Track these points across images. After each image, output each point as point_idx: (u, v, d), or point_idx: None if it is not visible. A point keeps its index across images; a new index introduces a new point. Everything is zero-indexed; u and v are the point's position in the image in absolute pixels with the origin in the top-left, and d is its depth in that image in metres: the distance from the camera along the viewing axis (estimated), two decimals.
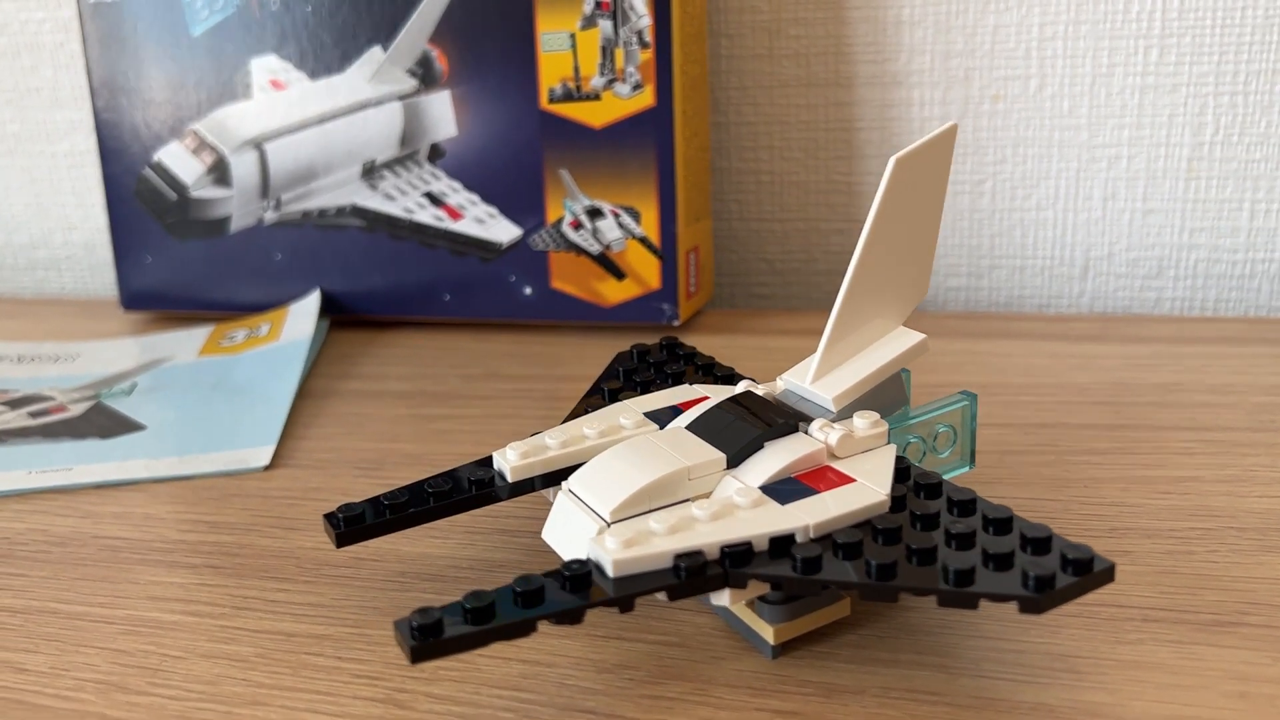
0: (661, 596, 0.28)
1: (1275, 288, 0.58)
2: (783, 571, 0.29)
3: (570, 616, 0.28)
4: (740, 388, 0.37)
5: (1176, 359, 0.50)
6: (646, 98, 0.51)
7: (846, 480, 0.32)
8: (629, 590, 0.29)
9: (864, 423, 0.34)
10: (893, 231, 0.35)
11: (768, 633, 0.31)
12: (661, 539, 0.30)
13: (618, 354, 0.44)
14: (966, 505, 0.31)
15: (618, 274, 0.54)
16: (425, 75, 0.54)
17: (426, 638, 0.27)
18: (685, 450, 0.33)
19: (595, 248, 0.54)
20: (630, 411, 0.37)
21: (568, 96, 0.52)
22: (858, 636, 0.32)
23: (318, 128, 0.55)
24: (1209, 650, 0.30)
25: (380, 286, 0.57)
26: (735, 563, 0.29)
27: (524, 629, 0.28)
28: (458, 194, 0.55)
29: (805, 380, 0.35)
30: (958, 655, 0.31)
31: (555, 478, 0.35)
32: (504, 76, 0.53)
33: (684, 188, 0.52)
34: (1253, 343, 0.51)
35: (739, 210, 0.62)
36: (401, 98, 0.54)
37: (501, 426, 0.46)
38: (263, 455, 0.44)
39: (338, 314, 0.58)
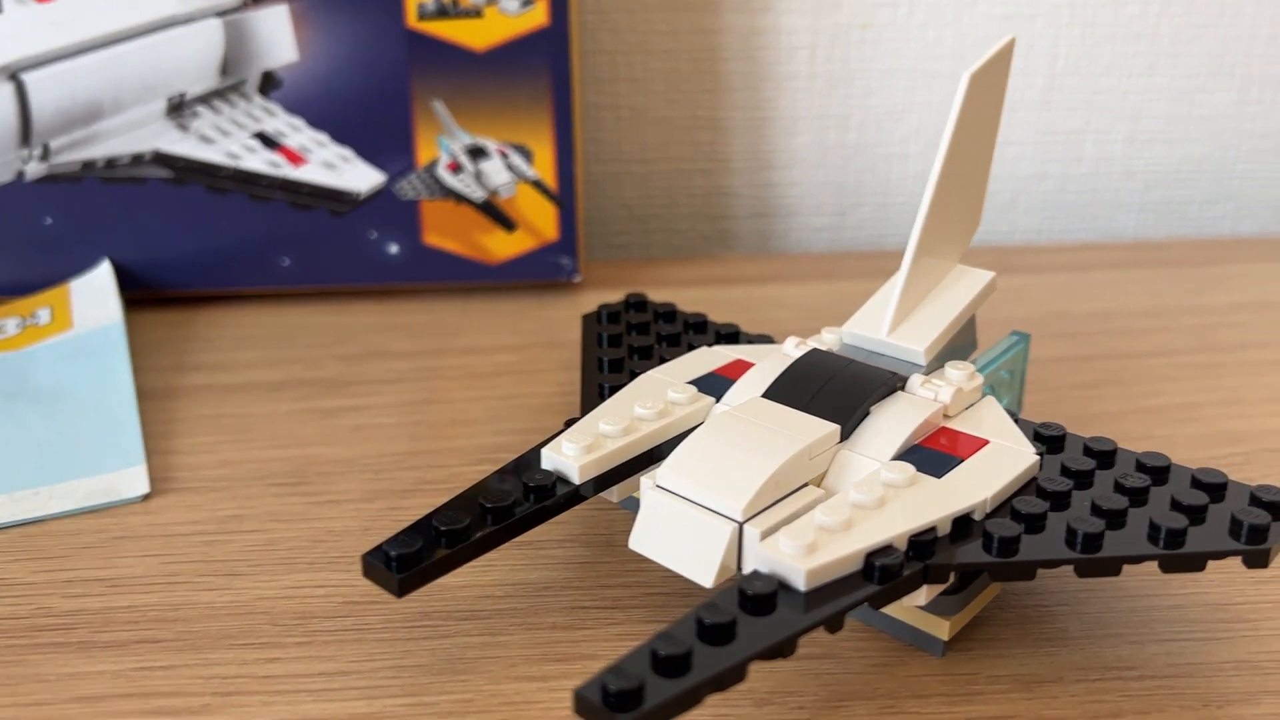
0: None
1: (1113, 214, 0.61)
2: (978, 556, 0.25)
3: (782, 649, 0.23)
4: (792, 345, 0.33)
5: (1088, 286, 0.50)
6: (539, 15, 0.45)
7: (980, 442, 0.29)
8: (827, 604, 0.24)
9: (960, 374, 0.31)
10: (963, 157, 0.31)
11: (940, 627, 0.27)
12: (843, 537, 0.25)
13: (584, 316, 0.38)
14: (1108, 456, 0.29)
15: (507, 224, 0.47)
16: None
17: (629, 707, 0.20)
18: (788, 426, 0.28)
19: (479, 194, 0.47)
20: (674, 384, 0.31)
21: (442, 12, 0.44)
22: (1012, 617, 0.28)
23: (102, 52, 0.44)
24: None
25: (192, 253, 0.46)
26: (923, 553, 0.25)
27: (734, 676, 0.22)
28: (299, 133, 0.46)
29: (880, 331, 0.32)
30: (1124, 622, 0.28)
31: (621, 472, 0.29)
32: None
33: (582, 121, 0.46)
34: (1142, 266, 0.53)
35: (595, 151, 0.57)
36: (221, 13, 0.44)
37: (432, 415, 0.39)
38: (135, 480, 0.34)
39: (134, 290, 0.46)
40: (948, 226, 0.33)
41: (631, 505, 0.33)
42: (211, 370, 0.42)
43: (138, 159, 0.46)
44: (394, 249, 0.47)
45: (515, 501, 0.27)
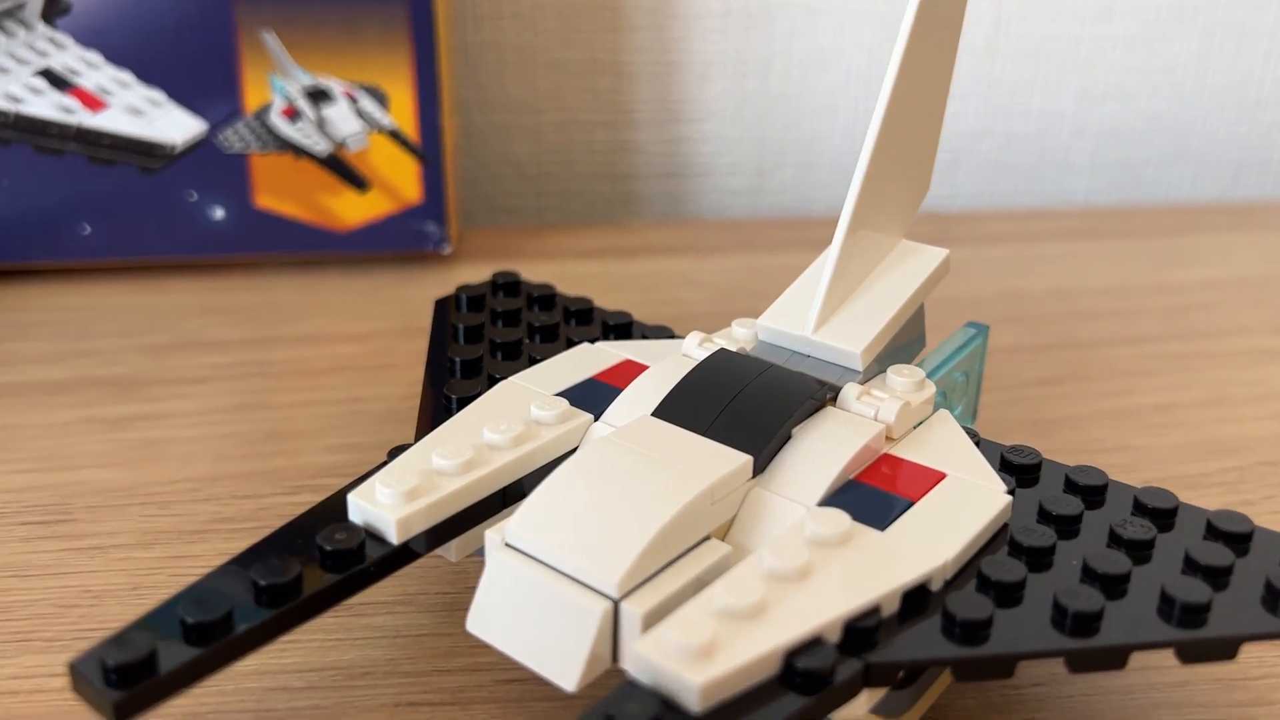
0: None
1: (1063, 176, 0.55)
2: (938, 648, 0.19)
3: None
4: (694, 344, 0.26)
5: (1042, 260, 0.44)
6: None
7: (934, 476, 0.22)
8: None
9: (907, 382, 0.24)
10: (910, 102, 0.25)
11: None
12: (752, 628, 0.18)
13: (437, 302, 0.31)
14: (1097, 492, 0.23)
15: (358, 183, 0.39)
16: None
17: None
18: (686, 457, 0.21)
19: (322, 146, 0.39)
20: (538, 396, 0.24)
21: None
22: (974, 707, 0.22)
23: None
24: None
25: None
26: (861, 645, 0.18)
27: None
28: (96, 71, 0.37)
29: (805, 327, 0.25)
30: (1118, 711, 0.22)
31: (461, 522, 0.22)
32: None
33: (448, 59, 0.39)
34: (1100, 236, 0.47)
35: (476, 98, 0.49)
36: None
37: (246, 425, 0.31)
38: None
39: None
40: (890, 193, 0.26)
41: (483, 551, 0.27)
42: None
43: None
44: (219, 214, 0.39)
45: (302, 575, 0.20)
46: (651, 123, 0.51)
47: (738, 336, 0.26)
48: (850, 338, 0.25)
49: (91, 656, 0.18)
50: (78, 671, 0.18)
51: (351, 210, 0.40)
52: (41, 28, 0.37)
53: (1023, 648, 0.19)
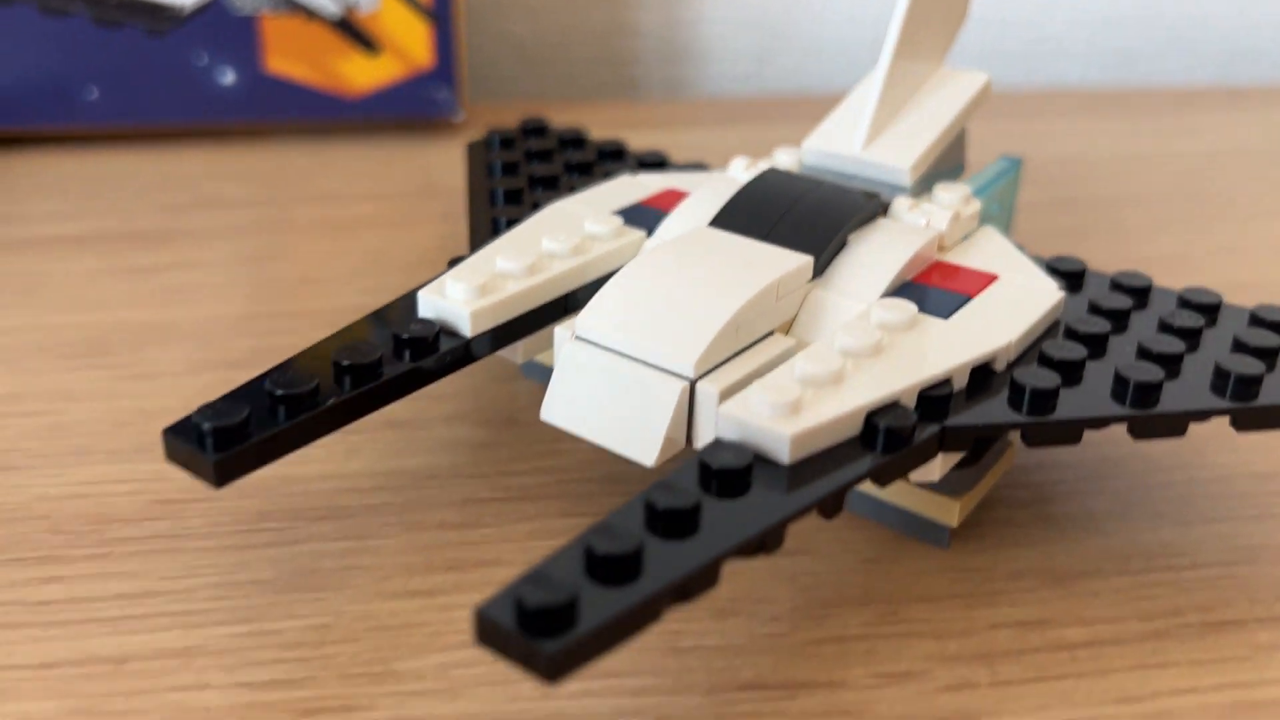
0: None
1: (1057, 62, 0.55)
2: (1007, 415, 0.20)
3: (765, 542, 0.17)
4: (739, 167, 0.26)
5: (1047, 134, 0.45)
6: None
7: (988, 277, 0.23)
8: (818, 486, 0.18)
9: (952, 196, 0.25)
10: None
11: (947, 511, 0.22)
12: (834, 393, 0.19)
13: (469, 145, 0.31)
14: (1143, 293, 0.24)
15: (369, 45, 0.39)
16: None
17: (556, 632, 0.14)
18: (747, 258, 0.22)
19: (333, 7, 0.38)
20: (593, 214, 0.25)
21: None
22: (1025, 498, 0.23)
23: None
24: None
25: None
26: (936, 412, 0.19)
27: (704, 579, 0.16)
28: None
29: (853, 146, 0.25)
30: (1160, 501, 0.23)
31: (526, 324, 0.22)
32: None
33: None
34: (1101, 115, 0.48)
35: None
36: None
37: (276, 272, 0.32)
38: None
39: None
40: (932, 16, 0.26)
41: (538, 374, 0.27)
42: None
43: None
44: (229, 78, 0.39)
45: (382, 358, 0.20)
46: (652, 6, 0.51)
47: (782, 161, 0.27)
48: (898, 155, 0.25)
49: (187, 424, 0.18)
50: (173, 436, 0.18)
51: (363, 74, 0.40)
52: None
53: (1087, 413, 0.20)
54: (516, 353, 0.23)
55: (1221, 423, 0.20)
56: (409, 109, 0.40)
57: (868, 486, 0.21)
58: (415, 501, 0.22)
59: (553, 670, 0.14)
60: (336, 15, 0.39)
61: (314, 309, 0.30)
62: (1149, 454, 0.25)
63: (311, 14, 0.39)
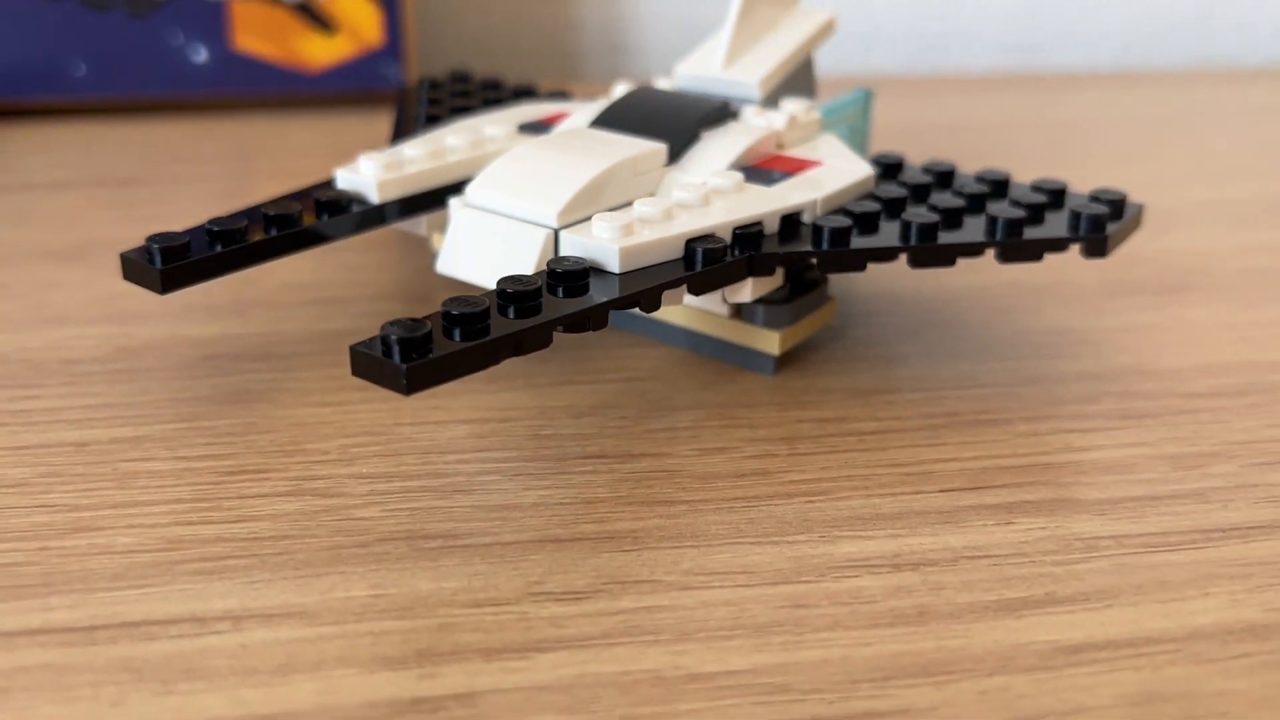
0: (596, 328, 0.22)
1: (970, 53, 0.61)
2: (807, 247, 0.24)
3: (591, 318, 0.21)
4: (621, 88, 0.31)
5: (940, 107, 0.50)
6: None
7: (813, 163, 0.27)
8: (641, 286, 0.22)
9: (798, 108, 0.29)
10: None
11: (770, 341, 0.26)
12: (662, 226, 0.23)
13: (399, 91, 0.36)
14: (947, 175, 0.28)
15: (325, 26, 0.44)
16: None
17: (413, 356, 0.19)
18: (613, 145, 0.26)
19: None
20: (495, 123, 0.29)
21: None
22: (847, 343, 0.27)
23: None
24: (1183, 311, 0.30)
25: None
26: (748, 245, 0.24)
27: (537, 338, 0.20)
28: None
29: (714, 68, 0.30)
30: (964, 346, 0.28)
31: (428, 201, 0.27)
32: None
33: None
34: (994, 91, 0.52)
35: None
36: None
37: (240, 204, 0.36)
38: None
39: None
40: None
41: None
42: None
43: None
44: (201, 55, 0.44)
45: (301, 212, 0.25)
46: (594, 2, 0.56)
47: (660, 84, 0.31)
48: (750, 72, 0.30)
49: (140, 248, 0.23)
50: (128, 258, 0.23)
51: (320, 52, 0.45)
52: None
53: (872, 244, 0.24)
54: (420, 226, 0.27)
55: (1027, 294, 0.25)
56: (361, 82, 0.45)
57: (709, 325, 0.25)
58: (336, 349, 0.27)
59: (409, 384, 0.19)
60: None
61: None
62: (960, 315, 0.29)
63: None
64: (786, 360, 0.26)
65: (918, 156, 0.41)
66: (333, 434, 0.23)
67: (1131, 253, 0.33)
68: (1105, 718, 0.17)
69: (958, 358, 0.27)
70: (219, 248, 0.23)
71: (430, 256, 0.31)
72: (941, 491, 0.22)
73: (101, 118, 0.44)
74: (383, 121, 0.45)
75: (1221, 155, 0.43)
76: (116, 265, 0.31)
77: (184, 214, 0.35)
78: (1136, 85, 0.54)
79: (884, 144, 0.40)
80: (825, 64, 0.56)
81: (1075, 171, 0.40)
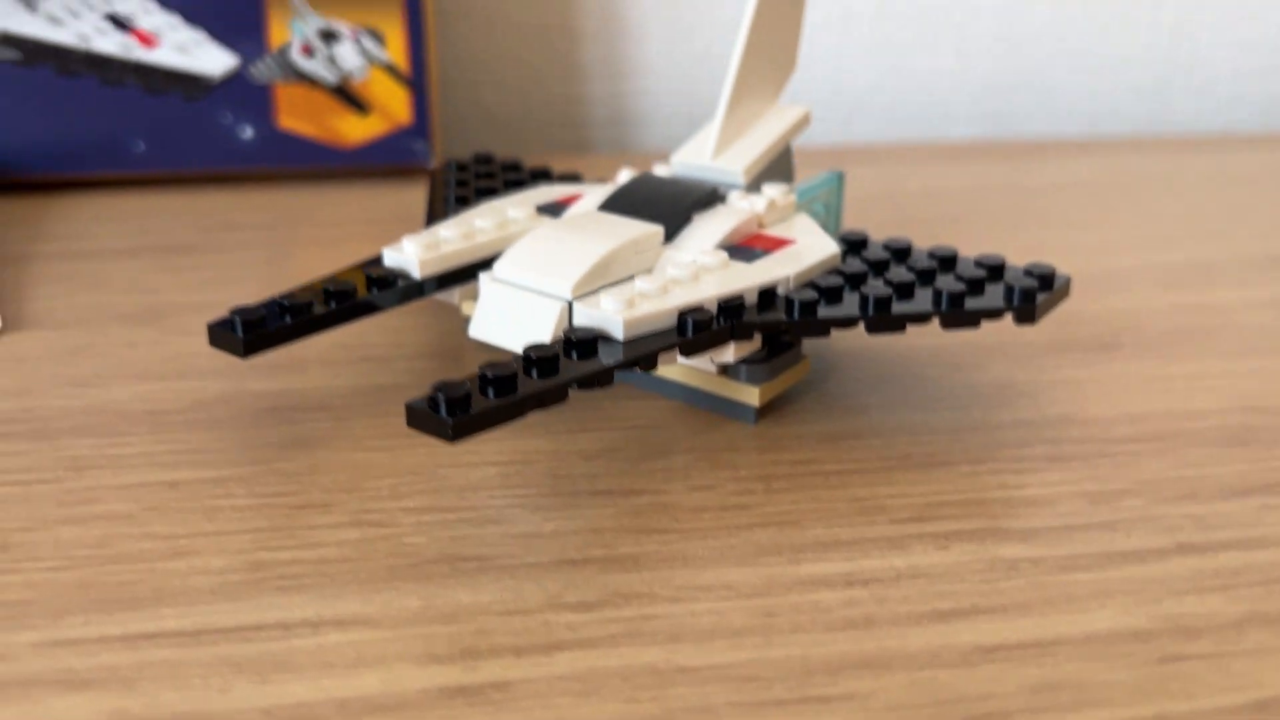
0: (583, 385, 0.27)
1: (946, 124, 0.65)
2: (780, 317, 0.28)
3: (600, 378, 0.25)
4: (625, 174, 0.35)
5: (918, 175, 0.54)
6: None
7: (787, 242, 0.32)
8: (641, 351, 0.26)
9: (776, 192, 0.34)
10: (770, 13, 0.34)
11: (751, 395, 0.30)
12: (659, 299, 0.27)
13: (431, 172, 0.40)
14: (904, 251, 0.32)
15: (360, 107, 0.49)
16: None
17: (457, 412, 0.23)
18: (618, 227, 0.30)
19: (331, 77, 0.48)
20: (516, 205, 0.34)
21: None
22: (819, 395, 0.32)
23: None
24: (1113, 366, 0.34)
25: (40, 138, 0.47)
26: (732, 315, 0.28)
27: (556, 395, 0.25)
28: (151, 15, 0.46)
29: (705, 157, 0.34)
30: (918, 398, 0.32)
31: (461, 275, 0.31)
32: None
33: (433, 6, 0.48)
34: (969, 160, 0.57)
35: (452, 56, 0.58)
36: None
37: (287, 270, 0.41)
38: None
39: None
40: (763, 67, 0.35)
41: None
42: (65, 240, 0.43)
43: None
44: (248, 133, 0.49)
45: (356, 288, 0.29)
46: (599, 78, 0.61)
47: (658, 170, 0.36)
48: (736, 161, 0.34)
49: (225, 319, 0.27)
50: (215, 327, 0.27)
51: (355, 130, 0.49)
52: None
53: (833, 315, 0.28)
54: (454, 296, 0.32)
55: (979, 352, 0.29)
56: (392, 157, 0.50)
57: (699, 381, 0.29)
58: (382, 401, 0.31)
59: (454, 434, 0.23)
60: (334, 83, 0.48)
61: None
62: (917, 370, 0.33)
63: (315, 82, 0.48)
64: (766, 410, 0.30)
65: (891, 221, 0.46)
66: (383, 474, 0.27)
67: (1073, 312, 0.37)
68: (1010, 702, 0.21)
69: (913, 407, 0.31)
70: (289, 319, 0.28)
71: (459, 320, 0.35)
72: (891, 522, 0.26)
73: (158, 188, 0.49)
74: (411, 191, 0.49)
75: (1162, 221, 0.47)
76: (184, 326, 0.36)
77: (238, 279, 0.39)
78: (1096, 153, 0.58)
79: (862, 210, 0.45)
80: (811, 134, 0.61)
81: (1030, 236, 0.45)
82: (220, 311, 0.36)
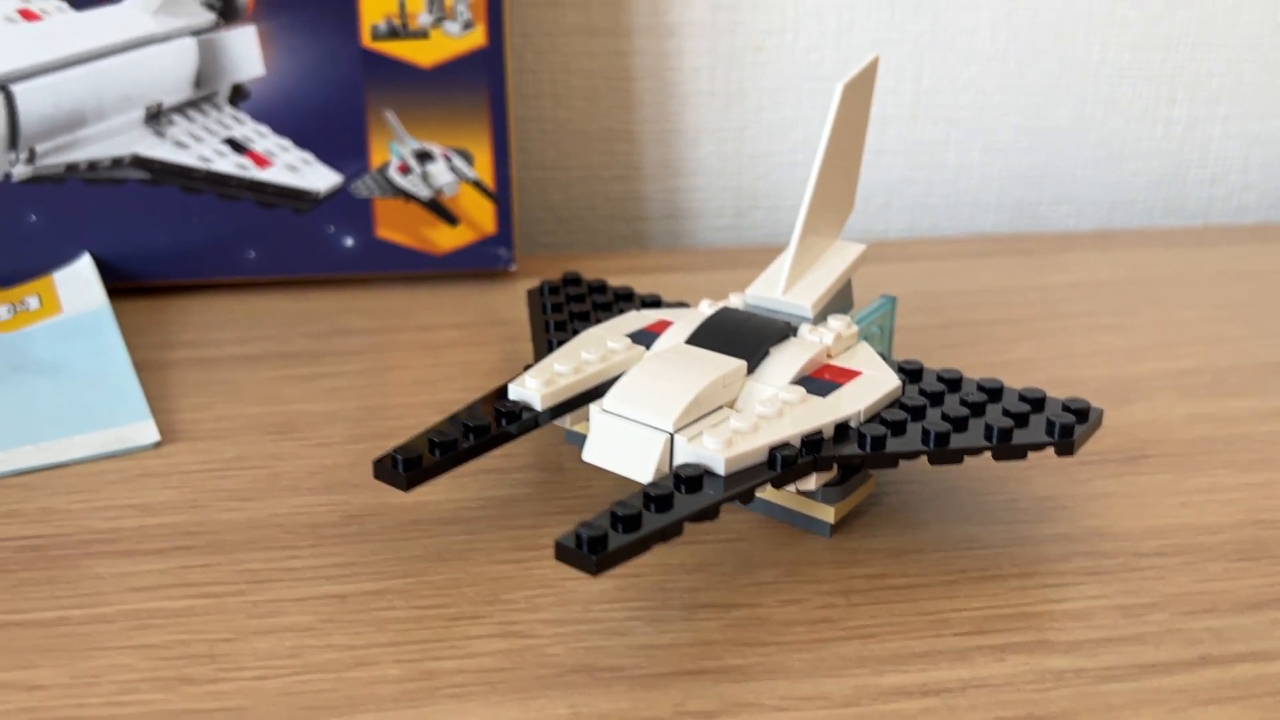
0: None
1: (975, 213, 0.69)
2: (854, 450, 0.33)
3: (709, 513, 0.30)
4: (706, 306, 0.40)
5: (950, 271, 0.58)
6: (477, 36, 0.51)
7: (855, 374, 0.36)
8: (741, 486, 0.31)
9: (840, 324, 0.38)
10: (838, 151, 0.39)
11: (828, 513, 0.34)
12: (751, 437, 0.32)
13: (529, 291, 0.45)
14: (955, 382, 0.37)
15: (450, 219, 0.53)
16: (225, 8, 0.49)
17: (598, 550, 0.27)
18: (706, 362, 0.35)
19: (425, 193, 0.53)
20: (612, 335, 0.38)
21: (393, 34, 0.50)
22: (884, 510, 0.36)
23: (86, 66, 0.49)
24: (1139, 479, 0.38)
25: (165, 247, 0.52)
26: (812, 449, 0.32)
27: (674, 530, 0.29)
28: (265, 139, 0.51)
29: (776, 292, 0.39)
30: (971, 512, 0.36)
31: (572, 404, 0.35)
32: (319, 11, 0.50)
33: (516, 129, 0.53)
34: (997, 255, 0.61)
35: (523, 159, 0.63)
36: (195, 33, 0.49)
37: (397, 377, 0.45)
38: (145, 431, 0.40)
39: (112, 281, 0.51)
40: (828, 209, 0.40)
41: (576, 440, 0.40)
42: (193, 346, 0.48)
43: (118, 162, 0.51)
44: (349, 242, 0.53)
45: (490, 423, 0.34)
46: (655, 177, 0.66)
47: (733, 301, 0.40)
48: (804, 297, 0.39)
49: (388, 456, 0.32)
50: (379, 464, 0.31)
51: (445, 239, 0.54)
52: (228, 109, 0.51)
53: (900, 449, 0.33)
54: (566, 421, 0.36)
55: (1022, 464, 0.33)
56: (479, 263, 0.54)
57: (780, 498, 0.34)
58: (505, 514, 0.35)
59: (596, 568, 0.27)
60: (427, 198, 0.53)
61: (424, 401, 0.43)
62: (970, 485, 0.37)
63: (410, 197, 0.53)
64: (839, 525, 0.35)
65: (934, 326, 0.50)
66: (518, 586, 0.32)
67: (1104, 423, 0.41)
68: None
69: (967, 521, 0.35)
70: (438, 455, 0.32)
71: (558, 434, 0.40)
72: (955, 635, 0.30)
73: (266, 290, 0.54)
74: (494, 293, 0.54)
75: (1179, 324, 0.52)
76: (320, 437, 0.40)
77: (358, 386, 0.44)
78: (1114, 248, 0.62)
79: (907, 315, 0.49)
80: (851, 223, 0.66)
81: (1058, 343, 0.49)
82: (349, 423, 0.41)
